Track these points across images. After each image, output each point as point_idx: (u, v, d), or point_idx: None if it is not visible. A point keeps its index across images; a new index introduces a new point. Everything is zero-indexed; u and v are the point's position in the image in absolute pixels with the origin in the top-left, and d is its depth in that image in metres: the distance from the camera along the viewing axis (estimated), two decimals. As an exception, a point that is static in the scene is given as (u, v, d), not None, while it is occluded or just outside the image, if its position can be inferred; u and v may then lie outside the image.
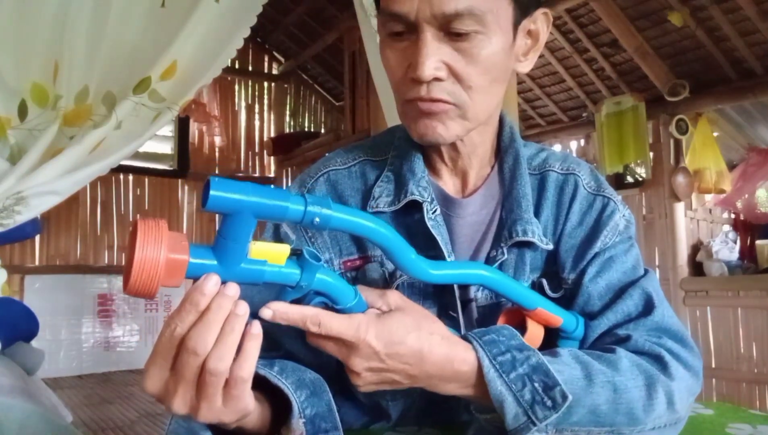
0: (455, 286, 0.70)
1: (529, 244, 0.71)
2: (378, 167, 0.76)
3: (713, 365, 3.45)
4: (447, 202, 0.73)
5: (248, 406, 0.49)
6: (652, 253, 3.73)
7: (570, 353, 0.61)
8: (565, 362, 0.59)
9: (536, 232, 0.70)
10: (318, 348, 0.55)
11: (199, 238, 5.32)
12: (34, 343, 2.00)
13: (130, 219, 5.11)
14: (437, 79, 0.62)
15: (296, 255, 0.50)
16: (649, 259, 3.73)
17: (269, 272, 0.48)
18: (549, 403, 0.56)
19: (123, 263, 0.47)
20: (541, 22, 0.69)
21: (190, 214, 5.35)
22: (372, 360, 0.54)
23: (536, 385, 0.56)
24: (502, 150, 0.76)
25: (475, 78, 0.63)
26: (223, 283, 0.46)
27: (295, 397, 0.59)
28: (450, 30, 0.60)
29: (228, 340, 0.46)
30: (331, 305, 0.54)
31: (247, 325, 0.47)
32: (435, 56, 0.61)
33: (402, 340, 0.54)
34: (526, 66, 0.70)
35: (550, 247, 0.72)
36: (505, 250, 0.70)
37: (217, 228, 0.52)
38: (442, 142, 0.67)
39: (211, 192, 0.43)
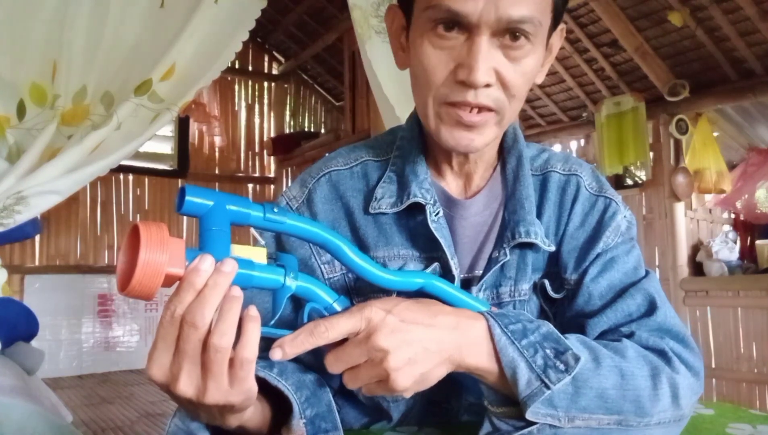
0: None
1: (531, 245, 0.71)
2: (380, 168, 0.75)
3: (713, 365, 3.45)
4: (450, 203, 0.73)
5: (254, 388, 0.49)
6: (652, 253, 3.73)
7: (577, 338, 0.61)
8: (572, 343, 0.59)
9: (539, 233, 0.70)
10: (348, 366, 0.54)
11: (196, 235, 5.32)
12: (34, 343, 2.00)
13: (130, 219, 5.11)
14: (487, 86, 0.61)
15: (273, 259, 0.54)
16: (649, 259, 3.73)
17: (258, 276, 0.50)
18: (561, 366, 0.56)
19: (117, 272, 0.49)
20: (557, 36, 0.70)
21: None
22: (391, 325, 0.52)
23: (548, 351, 0.56)
24: (505, 151, 0.76)
25: (519, 87, 0.63)
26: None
27: (295, 398, 0.59)
28: (505, 37, 0.60)
29: (228, 316, 0.46)
30: (321, 310, 0.55)
31: (244, 310, 0.48)
32: (489, 62, 0.60)
33: (405, 304, 0.55)
34: (540, 77, 0.70)
35: (552, 248, 0.72)
36: (507, 251, 0.70)
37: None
38: (473, 151, 0.67)
39: (186, 197, 0.48)
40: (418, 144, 0.74)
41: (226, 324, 0.46)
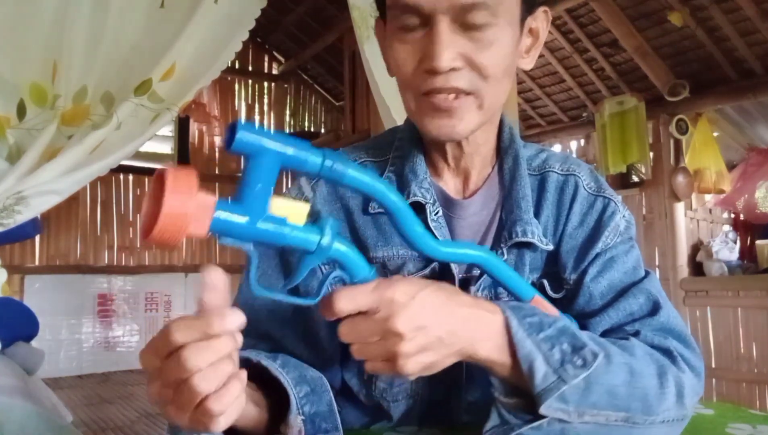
0: (456, 281, 0.70)
1: (528, 245, 0.71)
2: (379, 168, 0.76)
3: (713, 365, 3.45)
4: (448, 203, 0.73)
5: (216, 429, 0.47)
6: (652, 253, 3.73)
7: (587, 334, 0.61)
8: (586, 338, 0.59)
9: (536, 232, 0.70)
10: (356, 340, 0.53)
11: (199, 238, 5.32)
12: (34, 343, 2.00)
13: (130, 219, 5.11)
14: (454, 69, 0.62)
15: (313, 219, 0.50)
16: (649, 259, 3.73)
17: (290, 235, 0.47)
18: (579, 362, 0.56)
19: (141, 217, 0.45)
20: (541, 19, 0.70)
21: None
22: (411, 312, 0.51)
23: (564, 346, 0.56)
24: (501, 151, 0.76)
25: (491, 67, 0.63)
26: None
27: (294, 392, 0.59)
28: (464, 22, 0.61)
29: (221, 367, 0.45)
30: (347, 280, 0.53)
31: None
32: (451, 47, 0.61)
33: (429, 290, 0.54)
34: (528, 63, 0.71)
35: (550, 247, 0.72)
36: (504, 251, 0.70)
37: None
38: (457, 138, 0.67)
39: (238, 133, 0.44)
40: (416, 144, 0.74)
41: (215, 373, 0.44)
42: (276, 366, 0.60)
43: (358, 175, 0.51)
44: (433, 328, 0.53)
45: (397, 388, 0.74)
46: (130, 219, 5.11)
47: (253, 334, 0.72)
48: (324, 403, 0.61)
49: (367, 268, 0.53)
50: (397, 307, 0.51)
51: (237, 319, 0.45)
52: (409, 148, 0.74)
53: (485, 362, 0.57)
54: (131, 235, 5.11)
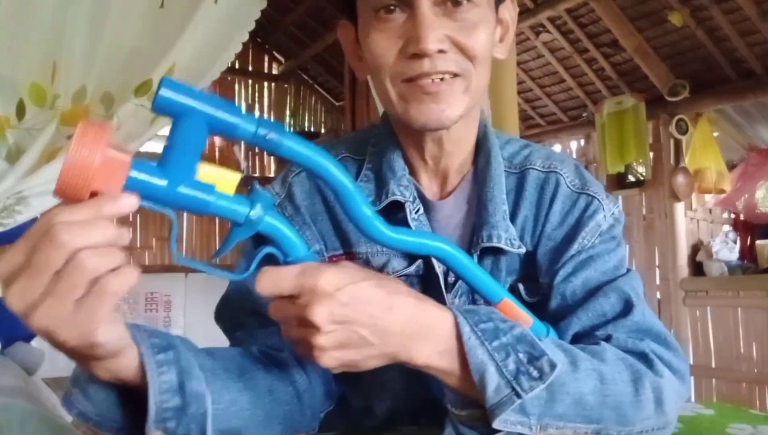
0: (441, 281, 0.68)
1: (501, 249, 0.68)
2: (357, 164, 0.74)
3: (713, 365, 3.45)
4: (423, 203, 0.71)
5: (96, 334, 0.41)
6: (652, 253, 3.73)
7: (551, 341, 0.58)
8: (547, 346, 0.55)
9: (503, 236, 0.67)
10: (281, 320, 0.50)
11: (198, 238, 5.32)
12: (34, 343, 2.00)
13: (130, 219, 5.10)
14: (441, 52, 0.61)
15: (248, 189, 0.48)
16: (649, 259, 3.73)
17: (215, 203, 0.45)
18: (535, 373, 0.51)
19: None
20: (509, 9, 0.70)
21: (190, 213, 5.35)
22: (332, 305, 0.47)
23: (521, 355, 0.52)
24: (478, 150, 0.74)
25: (477, 48, 0.62)
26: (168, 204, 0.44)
27: (157, 398, 0.48)
28: (448, 3, 0.60)
29: (113, 249, 0.41)
30: (281, 259, 0.50)
31: None
32: (437, 28, 0.60)
33: (363, 284, 0.49)
34: (502, 52, 0.70)
35: (523, 250, 0.69)
36: (477, 256, 0.68)
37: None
38: (447, 124, 0.64)
39: (160, 90, 0.41)
40: (393, 140, 0.72)
41: (107, 252, 0.40)
42: (153, 360, 0.48)
43: (297, 147, 0.48)
44: (357, 325, 0.49)
45: (379, 388, 0.72)
46: (130, 219, 5.10)
47: (241, 311, 0.70)
48: (195, 428, 0.49)
49: (304, 247, 0.50)
50: (316, 298, 0.47)
51: (130, 201, 0.41)
52: (385, 144, 0.72)
53: (426, 369, 0.53)
54: (131, 235, 5.10)
